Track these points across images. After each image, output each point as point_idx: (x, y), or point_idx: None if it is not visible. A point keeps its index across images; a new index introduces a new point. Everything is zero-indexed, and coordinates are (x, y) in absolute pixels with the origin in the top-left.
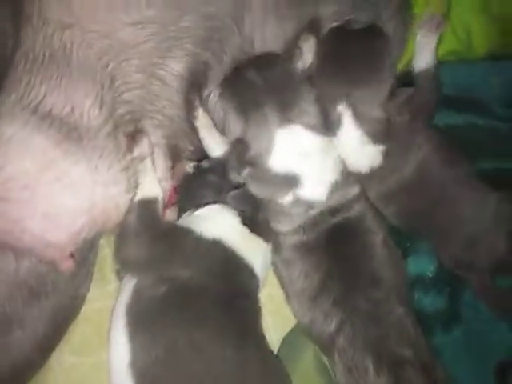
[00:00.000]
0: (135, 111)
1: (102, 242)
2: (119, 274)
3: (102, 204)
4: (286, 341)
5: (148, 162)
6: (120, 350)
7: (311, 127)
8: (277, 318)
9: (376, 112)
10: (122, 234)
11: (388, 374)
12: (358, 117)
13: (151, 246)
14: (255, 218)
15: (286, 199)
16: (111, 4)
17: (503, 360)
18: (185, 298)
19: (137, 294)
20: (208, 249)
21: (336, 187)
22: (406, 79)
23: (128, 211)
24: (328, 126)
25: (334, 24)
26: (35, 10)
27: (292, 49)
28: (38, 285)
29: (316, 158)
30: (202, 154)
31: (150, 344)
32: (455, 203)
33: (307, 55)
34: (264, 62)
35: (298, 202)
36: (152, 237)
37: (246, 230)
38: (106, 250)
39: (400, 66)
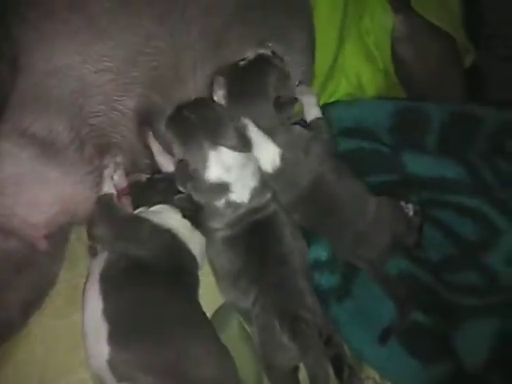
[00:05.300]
0: (98, 132)
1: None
2: (91, 251)
3: (71, 197)
4: (215, 316)
5: (108, 169)
6: (95, 302)
7: (233, 147)
8: (208, 298)
9: (268, 122)
10: (91, 218)
11: (288, 328)
12: (259, 124)
13: (113, 227)
14: (195, 216)
15: (220, 202)
16: (83, 59)
17: (386, 327)
18: (142, 271)
19: (107, 263)
20: (160, 235)
21: (256, 192)
22: None
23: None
24: (245, 143)
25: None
26: (26, 62)
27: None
28: (21, 259)
29: (238, 170)
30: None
31: (118, 298)
32: (344, 208)
33: (220, 92)
34: (196, 103)
35: (228, 204)
36: (112, 220)
37: (188, 224)
38: (74, 242)
39: None
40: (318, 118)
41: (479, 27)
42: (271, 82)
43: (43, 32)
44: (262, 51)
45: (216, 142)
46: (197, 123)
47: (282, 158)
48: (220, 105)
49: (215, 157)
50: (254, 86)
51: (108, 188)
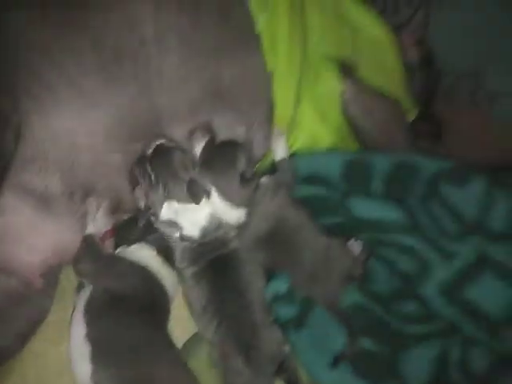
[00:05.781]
0: (86, 183)
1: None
2: (78, 286)
3: (62, 241)
4: (187, 343)
5: (91, 214)
6: (80, 328)
7: (181, 200)
8: (181, 329)
9: (235, 190)
10: (76, 255)
11: (243, 356)
12: (223, 194)
13: (94, 264)
14: (168, 254)
15: (176, 235)
16: (76, 124)
17: (337, 353)
18: (120, 302)
19: (90, 296)
20: (135, 271)
21: (207, 231)
22: None
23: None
24: (197, 196)
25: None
26: (27, 129)
27: (187, 142)
28: (20, 296)
29: (186, 214)
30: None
31: (99, 325)
32: (300, 248)
33: (197, 150)
34: (158, 157)
35: (183, 238)
36: (94, 258)
37: (161, 260)
38: (64, 281)
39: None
40: (285, 159)
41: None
42: (239, 162)
43: (43, 104)
44: (235, 138)
45: (168, 195)
46: (157, 176)
47: (248, 214)
48: (183, 158)
49: (167, 205)
50: (224, 163)
51: (90, 229)
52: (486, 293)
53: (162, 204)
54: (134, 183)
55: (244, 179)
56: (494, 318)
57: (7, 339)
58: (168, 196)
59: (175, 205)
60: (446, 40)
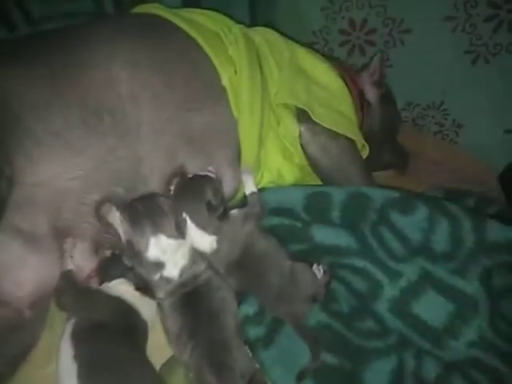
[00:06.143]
0: (69, 222)
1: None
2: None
3: (47, 275)
4: (164, 366)
5: (68, 252)
6: (67, 350)
7: (169, 235)
8: (158, 352)
9: (205, 217)
10: (56, 290)
11: (216, 373)
12: (195, 221)
13: (74, 299)
14: (145, 288)
15: (156, 277)
16: (61, 171)
17: (302, 368)
18: (102, 329)
19: (76, 325)
20: (114, 303)
21: (186, 268)
22: None
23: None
24: (181, 231)
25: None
26: (18, 177)
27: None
28: (11, 324)
29: (172, 252)
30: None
31: (84, 348)
32: (268, 272)
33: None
34: (146, 197)
35: (161, 278)
36: (72, 292)
37: (138, 294)
38: (53, 309)
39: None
40: (254, 192)
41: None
42: (205, 193)
43: (32, 154)
44: (205, 172)
45: (156, 230)
46: (143, 214)
47: (219, 241)
48: (165, 199)
49: (154, 241)
50: (193, 193)
51: (68, 266)
52: (429, 307)
53: (149, 242)
54: (103, 223)
55: (211, 207)
56: (437, 329)
57: (2, 364)
58: (156, 231)
59: (164, 241)
60: (409, 76)
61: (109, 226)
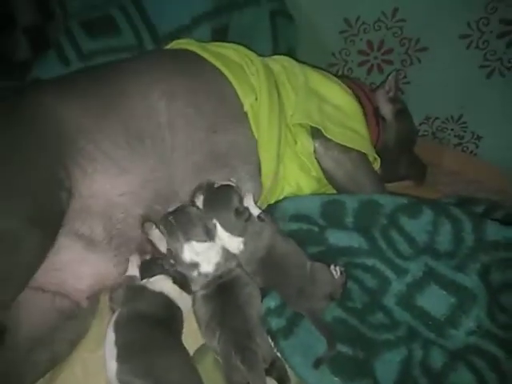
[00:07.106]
0: (121, 231)
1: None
2: (112, 308)
3: (102, 273)
4: (197, 352)
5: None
6: (110, 336)
7: (200, 240)
8: (192, 340)
9: (233, 222)
10: (114, 287)
11: (240, 356)
12: (224, 225)
13: (125, 293)
14: (183, 282)
15: (194, 273)
16: (111, 187)
17: (318, 357)
18: (142, 318)
19: (120, 316)
20: (156, 297)
21: (219, 265)
22: None
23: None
24: (211, 235)
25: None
26: (76, 190)
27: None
28: (70, 313)
29: (204, 253)
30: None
31: (124, 334)
32: (290, 271)
33: (200, 201)
34: (177, 210)
35: (199, 274)
36: (125, 288)
37: (177, 288)
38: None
39: None
40: (260, 213)
41: None
42: (233, 200)
43: (86, 171)
44: (229, 182)
45: (188, 237)
46: (175, 226)
47: (245, 243)
48: (193, 208)
49: (187, 247)
50: (221, 201)
51: (130, 272)
52: (433, 299)
53: (183, 248)
54: (146, 238)
55: (238, 212)
56: (440, 319)
57: (60, 346)
58: (188, 238)
59: (196, 246)
60: (427, 91)
61: (150, 241)
